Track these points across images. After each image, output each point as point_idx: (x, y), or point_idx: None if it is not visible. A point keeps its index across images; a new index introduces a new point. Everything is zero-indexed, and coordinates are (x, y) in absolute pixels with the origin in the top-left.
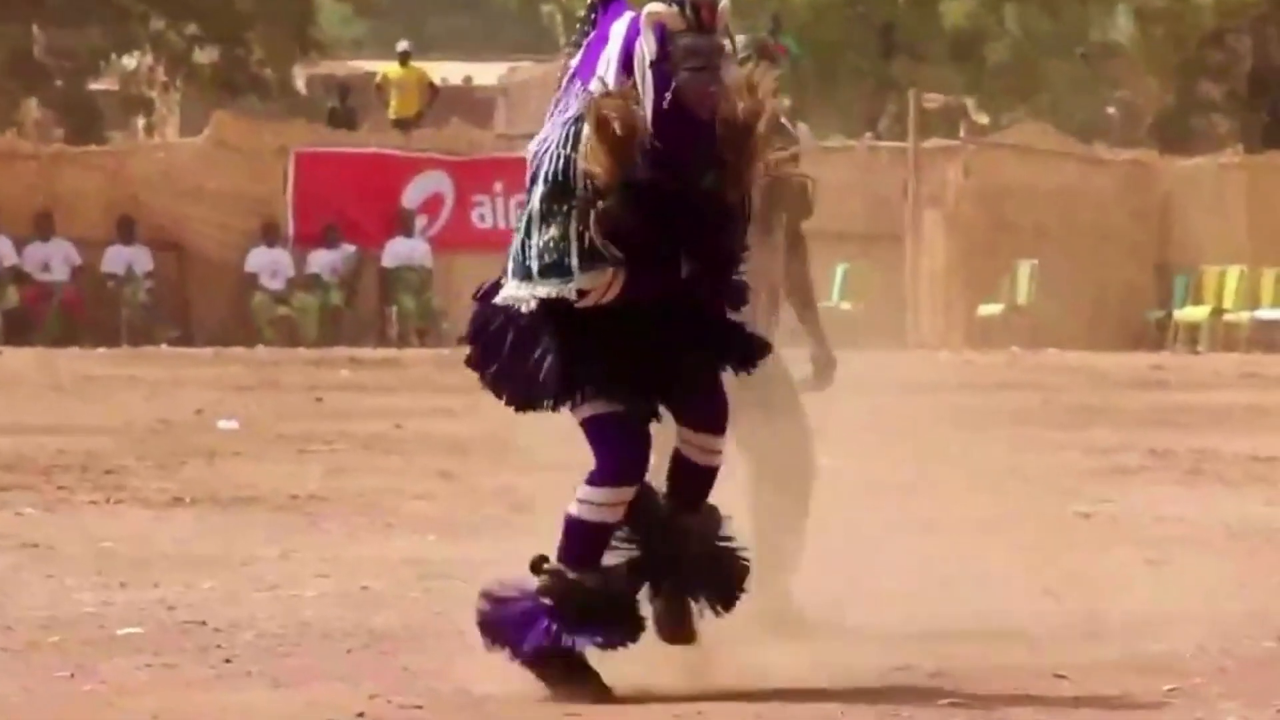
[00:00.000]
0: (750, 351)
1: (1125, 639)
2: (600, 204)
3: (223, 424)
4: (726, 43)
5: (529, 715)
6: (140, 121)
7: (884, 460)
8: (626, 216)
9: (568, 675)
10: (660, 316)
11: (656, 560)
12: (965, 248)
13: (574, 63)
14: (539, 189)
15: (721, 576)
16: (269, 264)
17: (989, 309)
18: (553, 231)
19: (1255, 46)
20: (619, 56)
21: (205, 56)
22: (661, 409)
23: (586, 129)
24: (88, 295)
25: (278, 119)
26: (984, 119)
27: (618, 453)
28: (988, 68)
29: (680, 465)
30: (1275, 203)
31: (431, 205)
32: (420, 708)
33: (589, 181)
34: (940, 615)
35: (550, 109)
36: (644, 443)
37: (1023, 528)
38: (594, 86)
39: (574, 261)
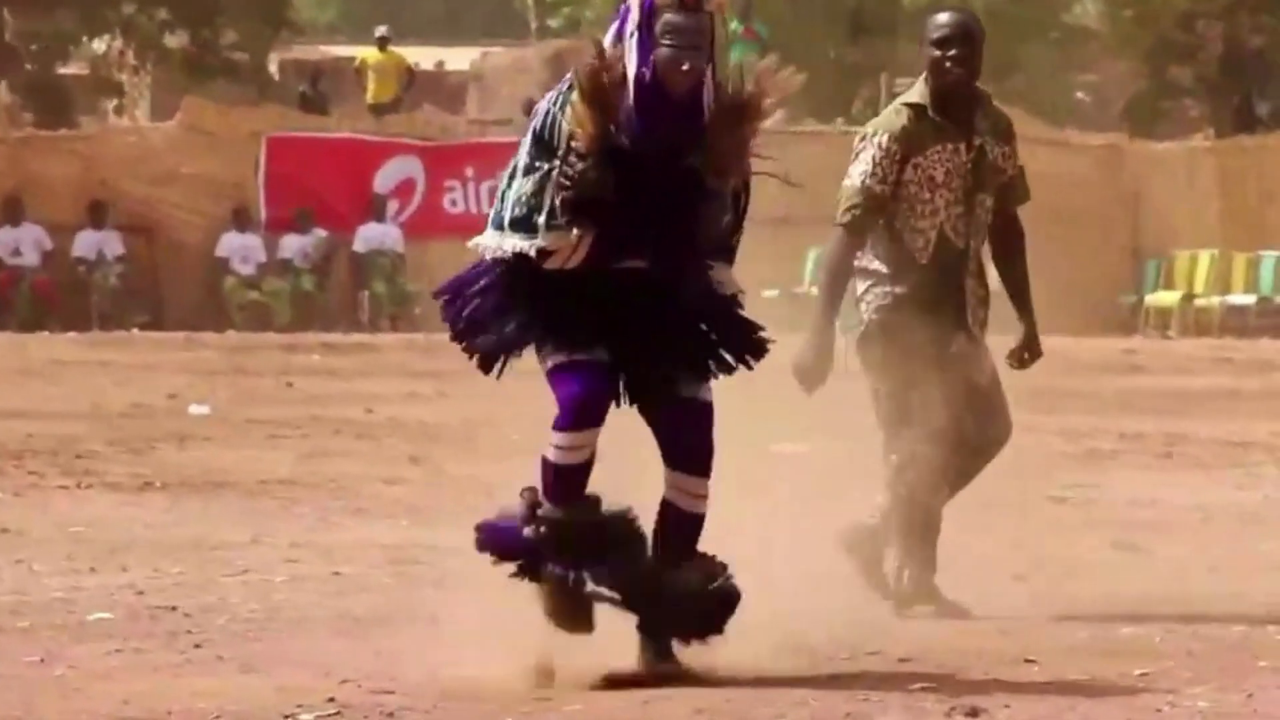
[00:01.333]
0: (743, 347)
1: (1096, 623)
2: (577, 165)
3: (194, 409)
4: (714, 26)
5: (500, 698)
6: (111, 105)
7: (854, 445)
8: (600, 182)
9: (560, 599)
10: (643, 299)
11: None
12: None
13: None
14: (526, 143)
15: (702, 612)
16: (240, 249)
17: None
18: (528, 186)
19: (1225, 30)
20: (616, 26)
21: (176, 41)
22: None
23: (574, 91)
24: (58, 280)
25: (249, 103)
26: None
27: (573, 396)
28: None
29: (667, 514)
30: (1246, 188)
31: (403, 190)
32: (392, 692)
33: (570, 142)
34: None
35: None
36: (601, 387)
37: (994, 512)
38: (586, 51)
39: (541, 219)
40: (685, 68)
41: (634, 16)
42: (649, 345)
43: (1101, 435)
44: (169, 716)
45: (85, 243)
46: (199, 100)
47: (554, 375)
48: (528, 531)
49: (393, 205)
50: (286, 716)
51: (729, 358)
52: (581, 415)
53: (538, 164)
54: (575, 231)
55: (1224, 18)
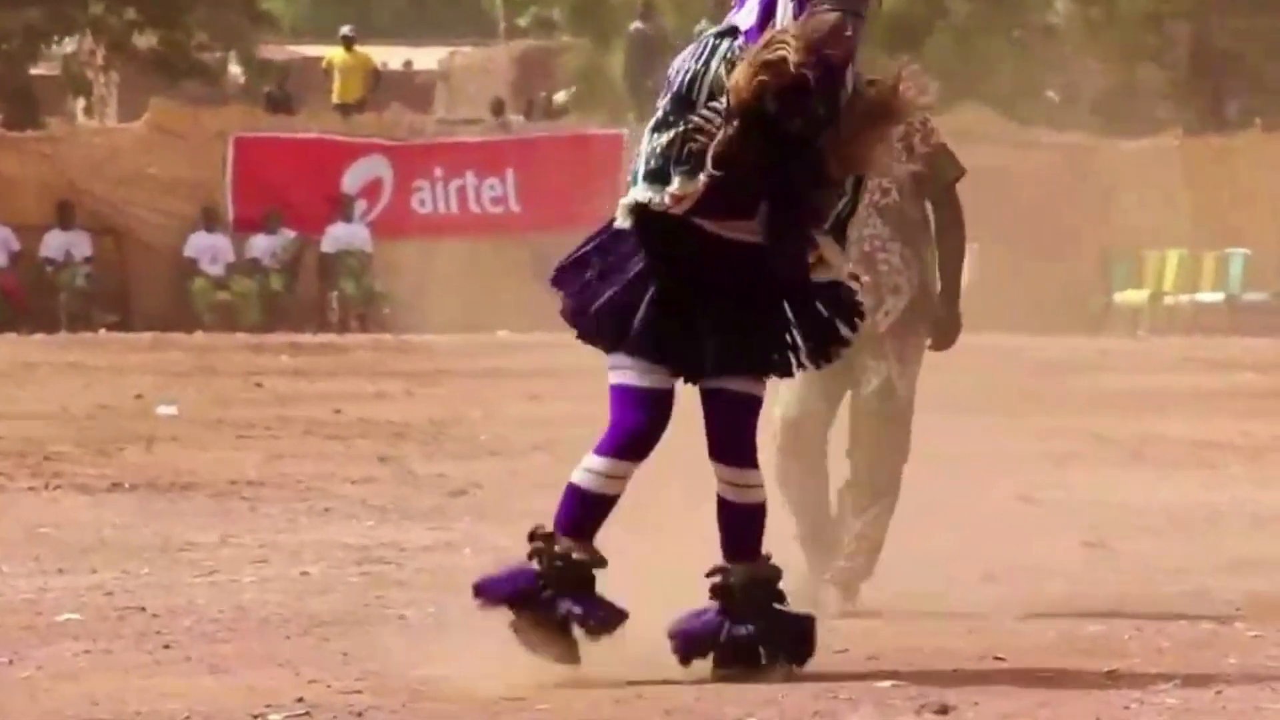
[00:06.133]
0: (824, 339)
1: (1065, 621)
2: (716, 121)
3: (162, 409)
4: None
5: (468, 698)
6: (80, 104)
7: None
8: (736, 143)
9: (541, 630)
10: (738, 274)
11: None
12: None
13: None
14: (665, 99)
15: (787, 636)
16: (208, 249)
17: None
18: (664, 139)
19: (1194, 30)
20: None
21: (144, 41)
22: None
23: (749, 52)
24: (26, 281)
25: (216, 104)
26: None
27: (626, 426)
28: (925, 53)
29: (722, 509)
30: (1215, 187)
31: (371, 190)
32: (360, 693)
33: (726, 99)
34: (879, 598)
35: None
36: (657, 421)
37: (963, 512)
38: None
39: (673, 169)
40: (847, 33)
41: None
42: (728, 321)
43: (1069, 435)
44: (137, 717)
45: (53, 244)
46: (166, 101)
47: (616, 394)
48: (536, 563)
49: (360, 205)
50: (255, 717)
51: (795, 357)
52: (628, 447)
53: (672, 118)
54: (702, 179)
55: (1192, 17)
